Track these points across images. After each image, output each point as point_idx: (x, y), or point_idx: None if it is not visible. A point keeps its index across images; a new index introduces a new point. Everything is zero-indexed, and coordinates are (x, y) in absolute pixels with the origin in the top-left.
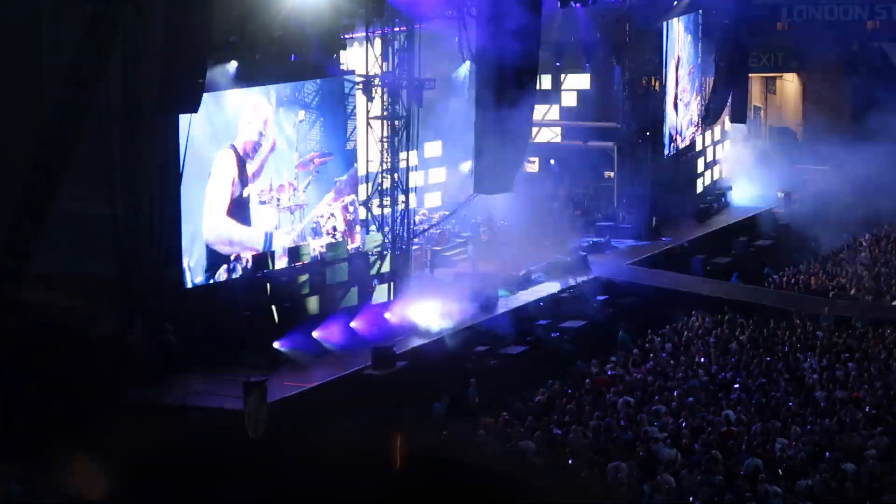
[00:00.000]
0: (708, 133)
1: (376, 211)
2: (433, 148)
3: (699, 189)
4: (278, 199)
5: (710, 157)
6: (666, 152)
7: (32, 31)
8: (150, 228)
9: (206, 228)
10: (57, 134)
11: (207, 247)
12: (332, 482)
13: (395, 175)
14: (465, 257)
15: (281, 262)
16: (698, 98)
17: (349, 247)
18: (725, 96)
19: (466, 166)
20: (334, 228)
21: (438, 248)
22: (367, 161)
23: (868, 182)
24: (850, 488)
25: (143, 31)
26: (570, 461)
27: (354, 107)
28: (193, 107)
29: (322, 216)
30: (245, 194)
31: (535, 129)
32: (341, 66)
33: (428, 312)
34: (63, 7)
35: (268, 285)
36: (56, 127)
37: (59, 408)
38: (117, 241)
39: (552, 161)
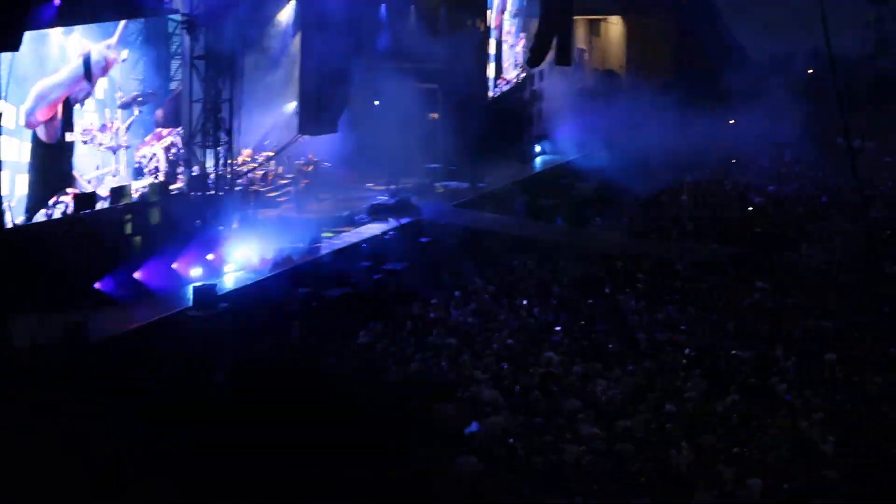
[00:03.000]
0: (535, 77)
1: (199, 152)
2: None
3: (525, 131)
4: (100, 141)
5: (535, 103)
6: (490, 94)
7: None
8: None
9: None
10: None
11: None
12: None
13: (219, 115)
14: (289, 199)
15: (104, 203)
16: (523, 41)
17: (172, 187)
18: (549, 38)
19: (291, 106)
20: (157, 169)
21: (263, 189)
22: (191, 101)
23: (689, 125)
24: (670, 429)
25: None
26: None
27: (179, 46)
28: (15, 45)
29: (144, 157)
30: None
31: None
32: (165, 5)
33: (250, 253)
34: None
35: (90, 225)
36: None
37: None
38: None
39: (376, 102)
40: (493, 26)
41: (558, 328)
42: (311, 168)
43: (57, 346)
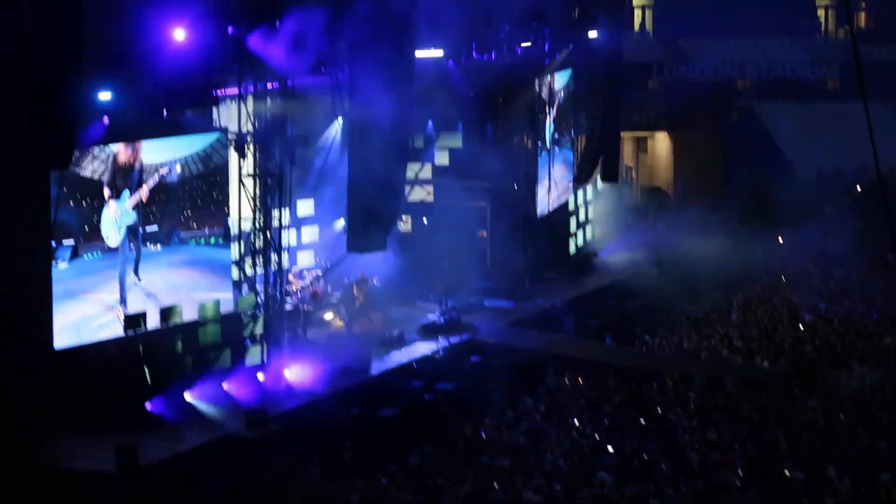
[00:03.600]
0: (580, 192)
1: (249, 271)
2: (306, 206)
3: (572, 249)
4: None
5: (582, 217)
6: (539, 211)
7: None
8: (17, 287)
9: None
10: None
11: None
12: None
13: (268, 234)
14: (338, 318)
15: (153, 322)
16: (571, 156)
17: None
18: (597, 155)
19: (339, 224)
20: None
21: (312, 309)
22: (240, 220)
23: (738, 242)
24: None
25: (12, 90)
26: None
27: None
28: (65, 163)
29: None
30: None
31: (408, 188)
32: (214, 122)
33: (301, 374)
34: None
35: (140, 346)
36: None
37: None
38: None
39: (425, 220)
40: (540, 143)
41: (610, 448)
42: (360, 287)
43: (108, 471)
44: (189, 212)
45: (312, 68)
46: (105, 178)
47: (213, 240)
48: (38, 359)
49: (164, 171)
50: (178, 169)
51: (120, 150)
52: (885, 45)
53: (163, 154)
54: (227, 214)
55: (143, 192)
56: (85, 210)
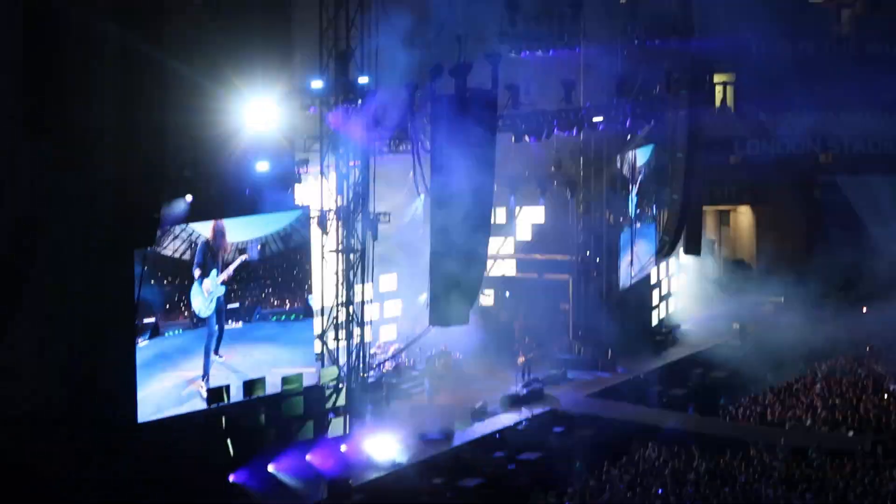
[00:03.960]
0: (662, 265)
1: (332, 344)
2: (388, 280)
3: (654, 321)
4: None
5: (664, 290)
6: (621, 284)
7: None
8: (100, 367)
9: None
10: (8, 272)
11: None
12: None
13: (351, 308)
14: (421, 390)
15: (236, 395)
16: (654, 231)
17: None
18: (680, 228)
19: (422, 298)
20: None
21: (394, 381)
22: (322, 294)
23: (822, 314)
24: None
25: (96, 170)
26: None
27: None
28: (150, 241)
29: None
30: None
31: (490, 262)
32: (296, 200)
33: (384, 445)
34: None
35: (223, 418)
36: (7, 266)
37: None
38: (67, 380)
39: (507, 293)
40: (622, 217)
41: None
42: (443, 360)
43: None
44: (270, 289)
45: (393, 144)
46: (196, 258)
47: (293, 316)
48: (121, 433)
49: (245, 256)
50: (259, 248)
51: (208, 229)
52: None
53: (245, 233)
54: (309, 291)
55: (230, 271)
56: (166, 288)
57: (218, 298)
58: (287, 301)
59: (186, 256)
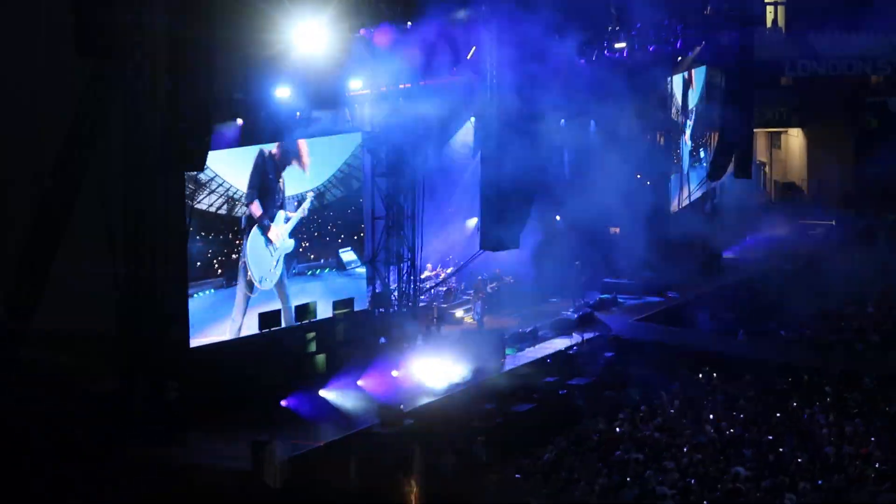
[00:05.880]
0: (713, 188)
1: (382, 269)
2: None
3: (704, 246)
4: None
5: (714, 214)
6: (672, 207)
7: (31, 89)
8: (152, 287)
9: None
10: (57, 192)
11: None
12: None
13: (401, 232)
14: (472, 314)
15: (288, 321)
16: (705, 153)
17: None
18: (730, 151)
19: (472, 223)
20: None
21: (445, 306)
22: (374, 218)
23: (867, 236)
24: None
25: (145, 89)
26: None
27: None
28: (199, 165)
29: None
30: None
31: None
32: (347, 123)
33: (435, 370)
34: (62, 65)
35: (275, 344)
36: (56, 185)
37: (60, 468)
38: (119, 299)
39: (558, 217)
40: (673, 139)
41: (745, 443)
42: (494, 284)
43: (244, 467)
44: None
45: (444, 67)
46: (250, 184)
47: (326, 270)
48: (174, 357)
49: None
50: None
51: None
52: None
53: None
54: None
55: (304, 210)
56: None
57: (285, 259)
58: (322, 256)
59: (224, 212)
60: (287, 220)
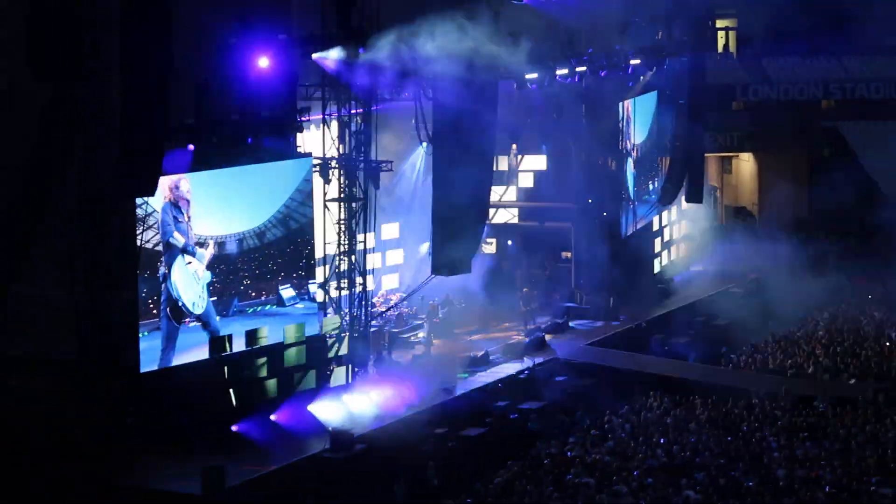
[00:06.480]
0: (665, 213)
1: (334, 293)
2: (391, 230)
3: (656, 269)
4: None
5: (666, 237)
6: (623, 232)
7: None
8: (107, 312)
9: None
10: (15, 220)
11: None
12: None
13: (353, 257)
14: (422, 340)
15: (238, 345)
16: (655, 178)
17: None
18: (681, 176)
19: (424, 248)
20: None
21: (396, 331)
22: (325, 243)
23: (819, 262)
24: None
25: (101, 115)
26: None
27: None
28: (150, 190)
29: None
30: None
31: (492, 211)
32: (298, 149)
33: (386, 395)
34: (19, 92)
35: (225, 368)
36: (15, 213)
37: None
38: (77, 324)
39: (510, 242)
40: (624, 165)
41: (696, 466)
42: (445, 309)
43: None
44: (255, 280)
45: (396, 93)
46: (163, 224)
47: (268, 306)
48: (123, 383)
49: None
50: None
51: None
52: None
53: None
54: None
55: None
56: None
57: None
58: (263, 293)
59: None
60: (201, 257)
